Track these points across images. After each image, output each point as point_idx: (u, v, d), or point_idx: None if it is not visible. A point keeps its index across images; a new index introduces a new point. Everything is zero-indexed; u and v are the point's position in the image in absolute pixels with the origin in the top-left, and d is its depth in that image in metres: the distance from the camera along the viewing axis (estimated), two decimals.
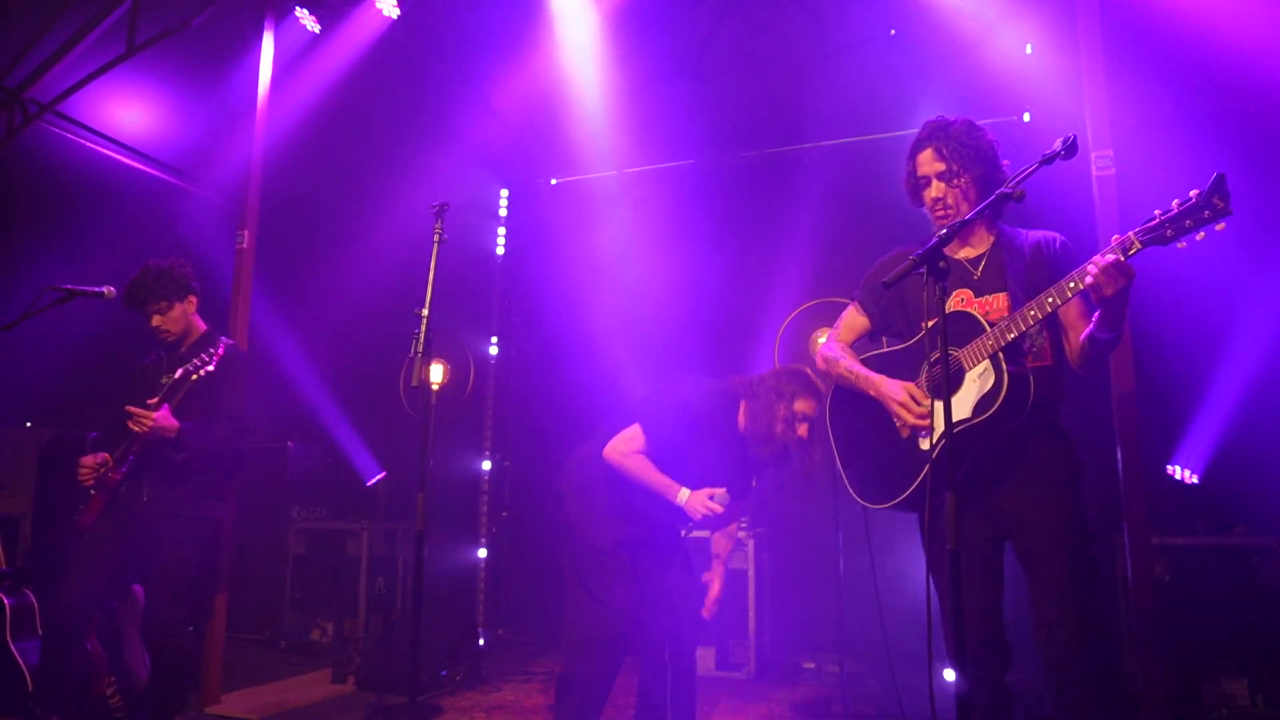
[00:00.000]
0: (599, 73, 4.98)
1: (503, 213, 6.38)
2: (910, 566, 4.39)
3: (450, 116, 5.41)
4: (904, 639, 3.69)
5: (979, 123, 2.35)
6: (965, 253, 2.36)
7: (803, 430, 2.71)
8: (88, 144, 4.92)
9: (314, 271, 5.81)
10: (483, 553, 5.96)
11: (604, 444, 2.82)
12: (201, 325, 3.37)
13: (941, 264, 1.88)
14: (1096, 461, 2.64)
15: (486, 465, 6.08)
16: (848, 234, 5.13)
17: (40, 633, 3.35)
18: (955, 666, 1.76)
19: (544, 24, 4.79)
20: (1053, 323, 2.22)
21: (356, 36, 4.79)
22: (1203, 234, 1.89)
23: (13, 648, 3.26)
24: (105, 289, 3.07)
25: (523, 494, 6.07)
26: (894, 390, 2.27)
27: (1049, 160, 2.11)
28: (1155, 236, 1.93)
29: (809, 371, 2.79)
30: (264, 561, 5.57)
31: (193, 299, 3.34)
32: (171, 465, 3.12)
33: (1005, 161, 2.33)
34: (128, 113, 5.00)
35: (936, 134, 2.32)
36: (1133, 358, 3.25)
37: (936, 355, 2.20)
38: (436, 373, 5.11)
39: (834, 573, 3.74)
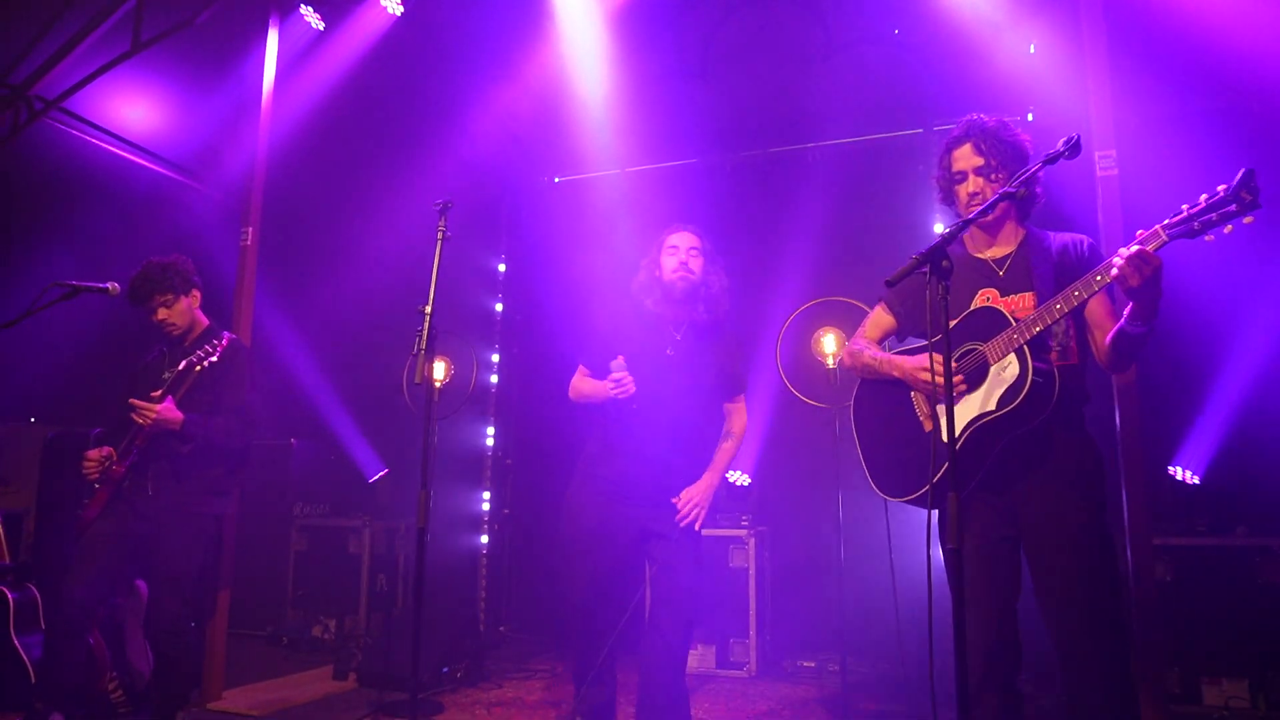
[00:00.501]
0: (602, 71, 4.98)
1: (505, 212, 6.38)
2: (917, 564, 4.38)
3: (454, 113, 5.42)
4: (919, 636, 3.68)
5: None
6: (991, 252, 2.36)
7: (681, 254, 2.96)
8: (92, 141, 4.93)
9: (317, 268, 5.82)
10: (484, 550, 5.96)
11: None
12: (204, 320, 3.38)
13: (945, 263, 1.88)
14: None
15: (488, 464, 6.09)
16: (850, 233, 5.13)
17: (43, 627, 3.37)
18: (958, 664, 1.76)
19: (547, 21, 4.79)
20: (1079, 322, 2.23)
21: (360, 33, 4.80)
22: (1230, 227, 1.90)
23: (16, 642, 3.27)
24: (109, 285, 3.08)
25: (525, 492, 6.07)
26: (919, 360, 2.29)
27: (1052, 160, 2.11)
28: (1183, 230, 1.94)
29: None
30: (266, 558, 5.59)
31: (196, 293, 3.35)
32: (175, 461, 3.12)
33: (1034, 165, 2.33)
34: (132, 110, 5.01)
35: (975, 130, 2.33)
36: None
37: (963, 348, 2.22)
38: (439, 370, 5.11)
39: (835, 571, 3.74)
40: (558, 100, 5.19)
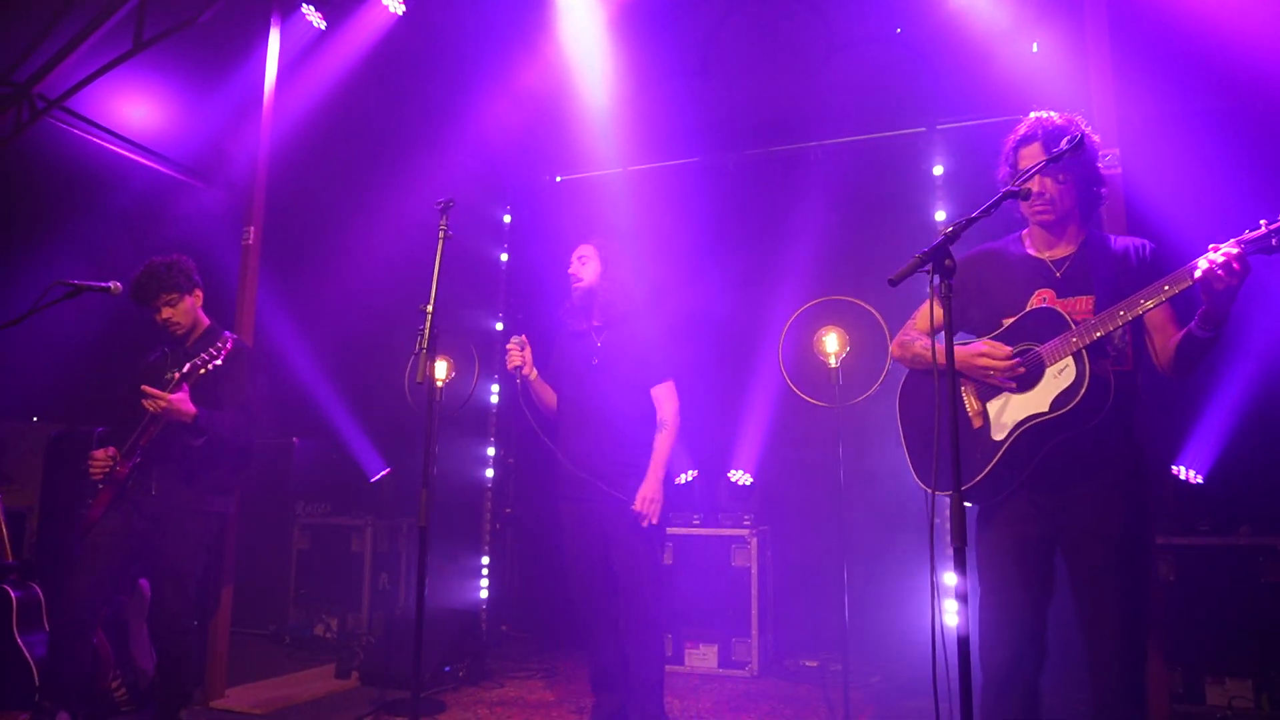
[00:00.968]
0: (604, 69, 4.97)
1: (507, 210, 6.38)
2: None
3: (455, 113, 5.42)
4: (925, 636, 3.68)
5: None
6: (1052, 253, 2.33)
7: (572, 265, 3.23)
8: (94, 139, 4.94)
9: (319, 267, 5.82)
10: (485, 549, 5.96)
11: None
12: (205, 320, 3.38)
13: (947, 261, 1.87)
14: None
15: (490, 462, 6.09)
16: (852, 232, 5.13)
17: (47, 626, 3.37)
18: (961, 665, 1.75)
19: (549, 20, 4.79)
20: (1136, 326, 2.20)
21: (362, 33, 4.79)
22: None
23: (19, 641, 3.28)
24: (112, 284, 3.08)
25: (526, 490, 6.07)
26: (975, 346, 2.26)
27: (1055, 159, 2.11)
28: (1259, 245, 1.92)
29: None
30: (268, 557, 5.59)
31: (199, 293, 3.35)
32: (179, 460, 3.13)
33: (1101, 165, 2.31)
34: (134, 109, 5.01)
35: (1043, 130, 2.30)
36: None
37: (1020, 347, 2.21)
38: (441, 369, 5.11)
39: (838, 571, 3.74)
40: (559, 99, 5.19)
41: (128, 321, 3.89)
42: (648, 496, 3.06)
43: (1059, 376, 2.13)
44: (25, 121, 4.37)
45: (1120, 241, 2.31)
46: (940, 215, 4.89)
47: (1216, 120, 4.33)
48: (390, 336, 5.64)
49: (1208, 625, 3.77)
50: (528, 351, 3.19)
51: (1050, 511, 2.22)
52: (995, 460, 2.19)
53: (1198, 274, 1.96)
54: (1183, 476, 4.06)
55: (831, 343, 4.05)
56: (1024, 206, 2.34)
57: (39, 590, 3.45)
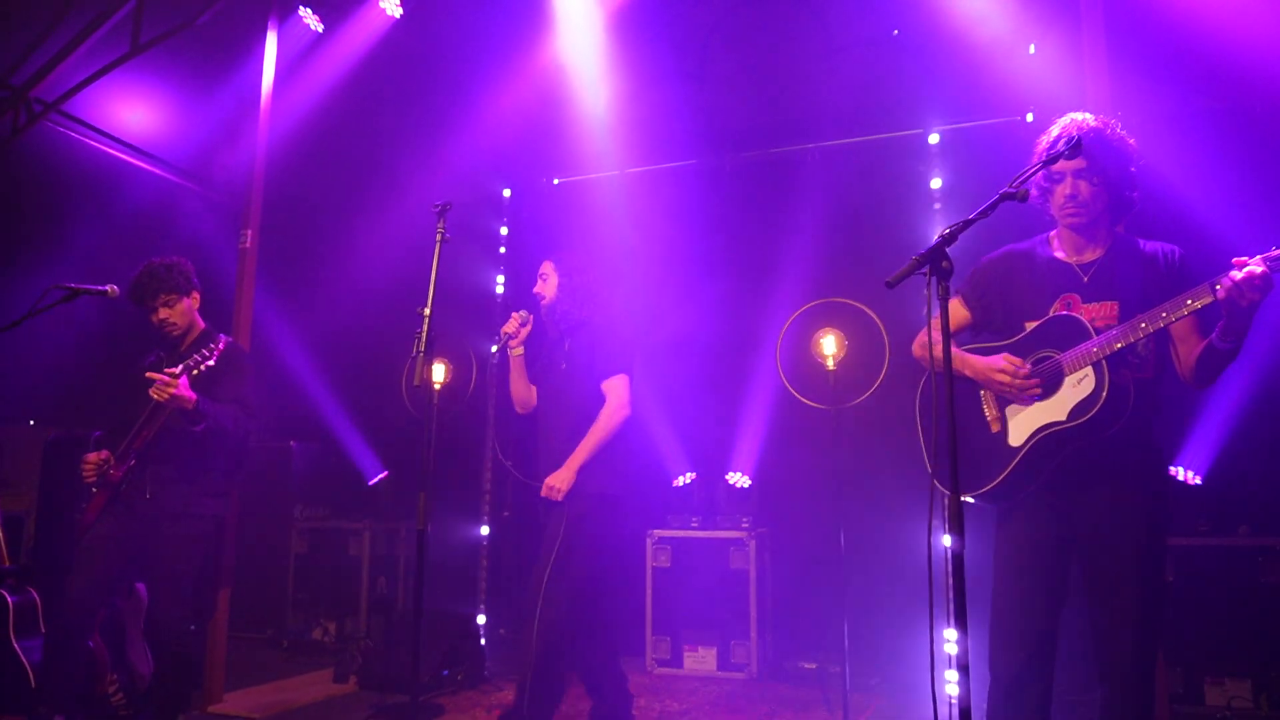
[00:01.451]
0: (602, 72, 4.98)
1: (504, 216, 6.38)
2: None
3: (453, 116, 5.42)
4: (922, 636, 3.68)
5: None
6: (1079, 257, 2.30)
7: (537, 285, 3.32)
8: (92, 143, 4.94)
9: (317, 271, 5.82)
10: (484, 551, 5.95)
11: None
12: (201, 323, 3.38)
13: (945, 263, 1.87)
14: None
15: (487, 465, 6.08)
16: (850, 234, 5.12)
17: (43, 630, 3.36)
18: (962, 665, 1.75)
19: (546, 23, 4.79)
20: (1159, 334, 2.15)
21: (360, 36, 4.79)
22: None
23: (16, 645, 3.27)
24: (109, 287, 3.08)
25: (524, 495, 6.06)
26: (994, 360, 2.25)
27: (1052, 160, 2.11)
28: None
29: None
30: (266, 561, 5.58)
31: (196, 295, 3.35)
32: (174, 463, 3.12)
33: (1133, 169, 2.27)
34: (131, 112, 5.02)
35: (1080, 131, 2.23)
36: None
37: (1039, 354, 2.20)
38: (439, 372, 5.11)
39: (836, 573, 3.74)
40: (557, 102, 5.19)
41: (125, 325, 3.89)
42: (553, 482, 3.04)
43: (1078, 386, 2.11)
44: (22, 125, 4.37)
45: (1149, 246, 2.28)
46: (936, 206, 4.88)
47: (1213, 122, 4.33)
48: (387, 339, 5.64)
49: (1207, 625, 3.77)
50: (525, 331, 3.25)
51: (1068, 516, 2.21)
52: (1012, 465, 2.18)
53: (1220, 291, 1.93)
54: (1181, 477, 4.06)
55: (829, 345, 4.05)
56: (1054, 208, 2.30)
57: (36, 595, 3.44)
